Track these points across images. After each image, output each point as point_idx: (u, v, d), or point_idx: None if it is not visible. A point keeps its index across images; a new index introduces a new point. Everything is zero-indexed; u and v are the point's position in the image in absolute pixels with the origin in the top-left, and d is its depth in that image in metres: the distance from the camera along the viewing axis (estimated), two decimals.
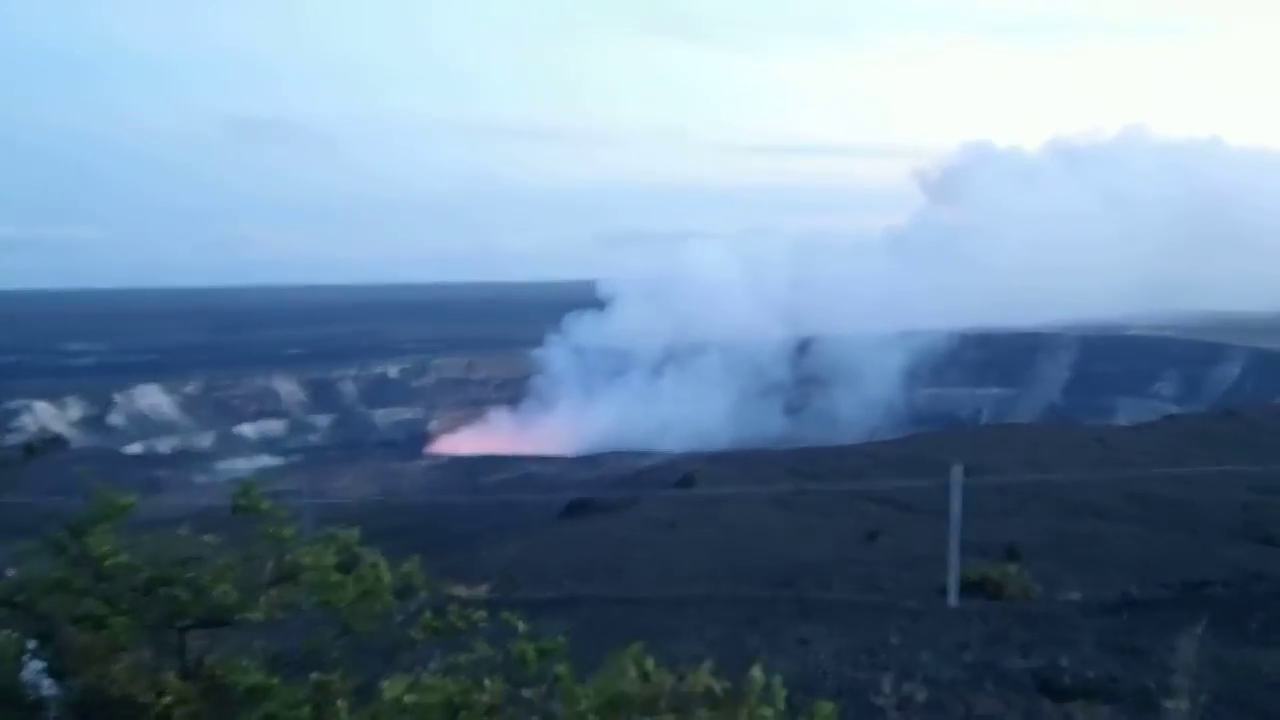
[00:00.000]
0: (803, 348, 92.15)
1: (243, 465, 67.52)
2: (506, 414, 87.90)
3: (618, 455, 63.71)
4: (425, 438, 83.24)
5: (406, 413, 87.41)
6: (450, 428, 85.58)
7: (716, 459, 41.43)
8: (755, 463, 36.57)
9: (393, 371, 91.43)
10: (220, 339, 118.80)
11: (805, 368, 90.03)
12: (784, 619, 10.26)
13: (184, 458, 66.44)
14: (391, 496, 49.54)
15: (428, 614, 4.77)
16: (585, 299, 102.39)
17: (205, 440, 74.39)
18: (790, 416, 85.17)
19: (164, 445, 70.72)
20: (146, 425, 73.32)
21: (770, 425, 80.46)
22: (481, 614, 4.76)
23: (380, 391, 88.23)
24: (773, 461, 36.59)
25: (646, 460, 56.52)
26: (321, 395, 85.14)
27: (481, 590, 12.99)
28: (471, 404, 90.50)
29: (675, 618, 10.28)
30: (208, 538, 4.94)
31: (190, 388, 78.97)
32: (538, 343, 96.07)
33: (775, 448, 52.23)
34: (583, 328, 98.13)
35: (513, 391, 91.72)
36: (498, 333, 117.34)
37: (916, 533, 20.16)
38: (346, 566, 4.82)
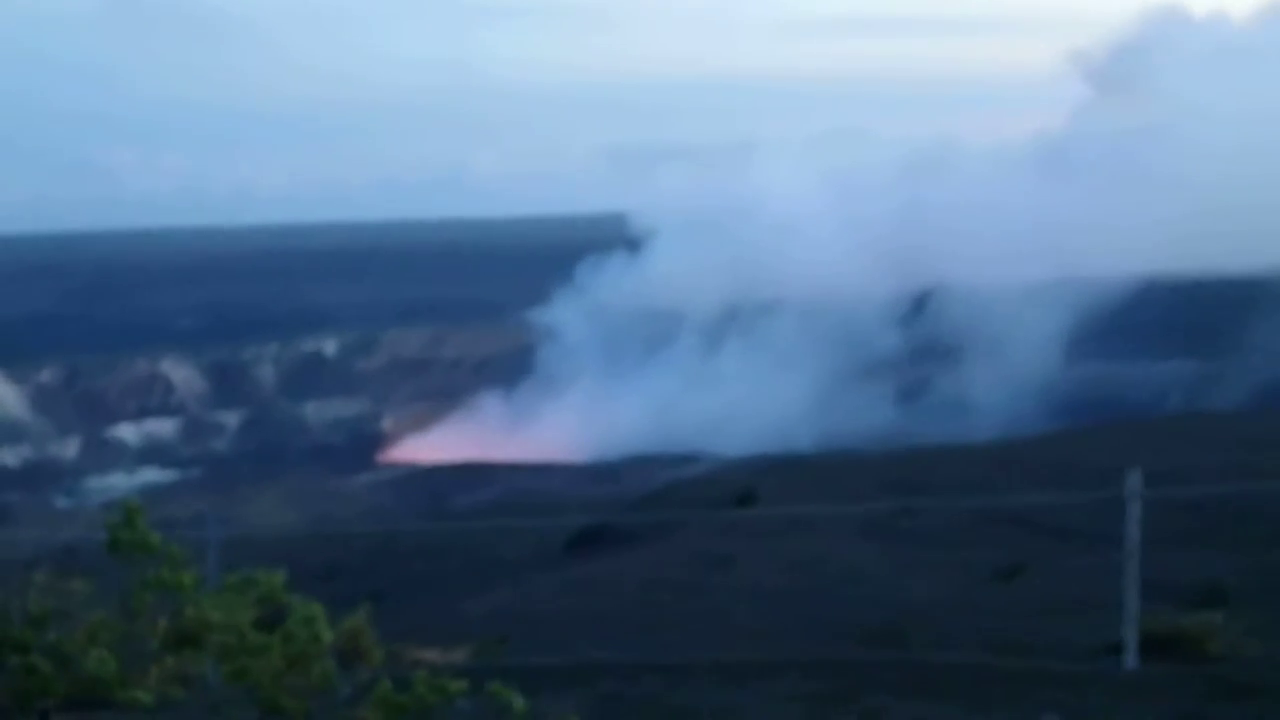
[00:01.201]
0: (918, 306, 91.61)
1: (121, 482, 68.08)
2: (490, 407, 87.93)
3: (649, 462, 63.89)
4: (375, 442, 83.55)
5: (347, 407, 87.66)
6: (410, 427, 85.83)
7: (788, 466, 41.45)
8: (842, 472, 36.56)
9: (328, 349, 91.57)
10: (86, 308, 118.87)
11: (922, 334, 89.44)
12: (887, 692, 10.32)
13: (39, 474, 67.07)
14: (329, 524, 49.84)
15: (384, 686, 4.84)
16: (607, 239, 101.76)
17: (68, 448, 74.83)
18: (902, 405, 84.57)
19: (11, 456, 71.19)
20: None
21: (873, 417, 79.92)
22: (460, 686, 4.83)
23: (310, 378, 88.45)
24: (867, 470, 36.54)
25: (689, 469, 56.68)
26: (229, 384, 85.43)
27: (459, 654, 13.12)
28: (439, 394, 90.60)
29: (732, 692, 10.36)
30: (75, 585, 4.99)
31: (45, 376, 79.44)
32: (537, 304, 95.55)
33: (875, 449, 52.14)
34: (605, 281, 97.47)
35: (498, 375, 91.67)
36: (475, 292, 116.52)
37: (1073, 568, 20.15)
38: (269, 623, 4.89)
